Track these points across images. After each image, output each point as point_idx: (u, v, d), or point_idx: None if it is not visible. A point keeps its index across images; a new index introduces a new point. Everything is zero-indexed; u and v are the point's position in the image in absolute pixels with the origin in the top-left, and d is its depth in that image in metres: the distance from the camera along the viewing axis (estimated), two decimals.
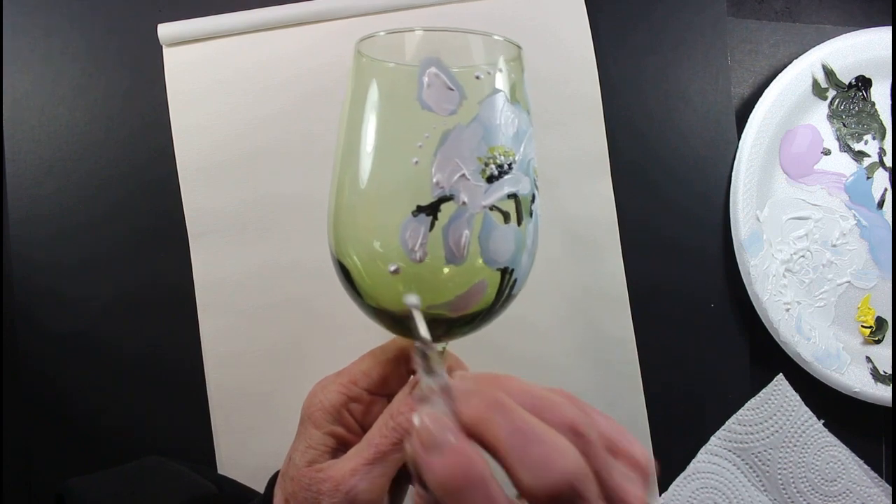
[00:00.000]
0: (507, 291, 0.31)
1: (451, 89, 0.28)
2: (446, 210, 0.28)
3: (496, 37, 0.30)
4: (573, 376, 0.50)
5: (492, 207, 0.29)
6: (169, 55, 0.48)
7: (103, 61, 0.49)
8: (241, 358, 0.48)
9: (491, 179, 0.29)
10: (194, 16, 0.48)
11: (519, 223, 0.30)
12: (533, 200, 0.31)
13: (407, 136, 0.29)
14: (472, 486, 0.21)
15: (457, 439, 0.22)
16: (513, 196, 0.29)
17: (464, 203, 0.28)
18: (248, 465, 0.48)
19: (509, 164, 0.29)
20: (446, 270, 0.29)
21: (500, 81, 0.29)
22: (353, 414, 0.33)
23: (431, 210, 0.28)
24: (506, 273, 0.30)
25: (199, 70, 0.48)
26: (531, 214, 0.31)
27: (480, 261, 0.29)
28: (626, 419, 0.51)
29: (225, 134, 0.48)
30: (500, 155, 0.29)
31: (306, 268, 0.49)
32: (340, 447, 0.32)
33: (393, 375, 0.34)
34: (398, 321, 0.31)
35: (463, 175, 0.28)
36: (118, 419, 0.48)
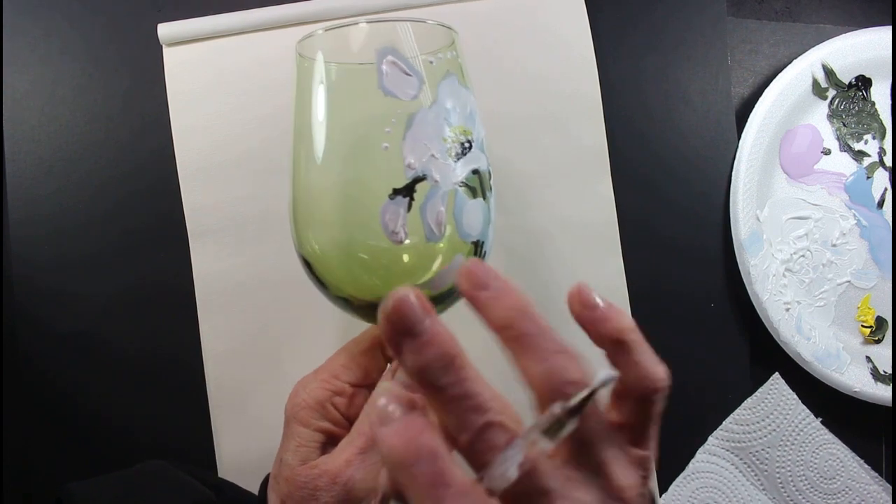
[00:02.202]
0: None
1: (409, 74, 0.30)
2: (421, 190, 0.29)
3: (430, 22, 0.32)
4: None
5: (461, 184, 0.30)
6: (169, 55, 0.48)
7: (103, 61, 0.49)
8: (241, 357, 0.48)
9: (457, 157, 0.30)
10: (194, 16, 0.48)
11: (484, 197, 0.32)
12: (489, 176, 0.33)
13: (372, 123, 0.30)
14: (421, 459, 0.20)
15: (407, 413, 0.21)
16: (476, 172, 0.31)
17: (436, 181, 0.30)
18: (249, 465, 0.48)
19: (469, 142, 0.31)
20: (427, 248, 0.30)
21: (452, 64, 0.31)
22: (337, 408, 0.33)
23: (408, 191, 0.29)
24: (477, 246, 0.31)
25: (199, 70, 0.48)
26: (490, 189, 0.32)
27: (456, 236, 0.31)
28: None
29: (225, 134, 0.48)
30: (460, 134, 0.31)
31: None
32: (329, 442, 0.32)
33: (371, 365, 0.34)
34: (366, 309, 0.32)
35: (433, 155, 0.30)
36: (118, 419, 0.48)
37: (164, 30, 0.48)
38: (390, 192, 0.29)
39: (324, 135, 0.31)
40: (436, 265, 0.31)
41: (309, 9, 0.49)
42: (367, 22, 0.31)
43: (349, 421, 0.33)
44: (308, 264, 0.32)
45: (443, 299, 0.32)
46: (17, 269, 0.48)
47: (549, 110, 0.50)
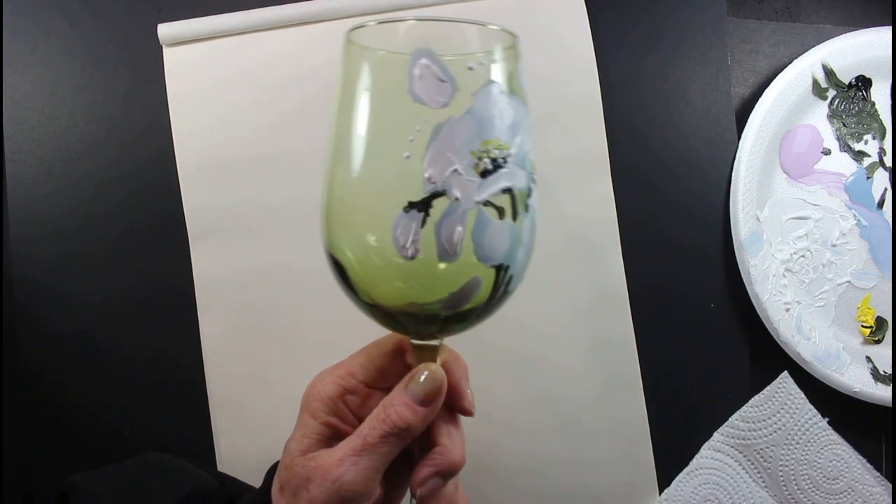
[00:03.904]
0: (502, 288, 0.30)
1: (443, 81, 0.28)
2: (439, 206, 0.28)
3: (491, 26, 0.30)
4: (573, 376, 0.50)
5: (486, 203, 0.28)
6: (169, 55, 0.48)
7: (103, 61, 0.49)
8: (240, 357, 0.48)
9: (485, 174, 0.28)
10: (194, 16, 0.48)
11: (514, 218, 0.29)
12: (529, 195, 0.30)
13: (398, 129, 0.28)
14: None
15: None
16: (508, 191, 0.29)
17: (457, 199, 0.28)
18: (248, 463, 0.48)
19: (504, 158, 0.28)
20: (440, 267, 0.28)
21: (495, 71, 0.28)
22: (349, 406, 0.33)
23: (423, 206, 0.28)
24: (501, 270, 0.29)
25: (199, 70, 0.48)
26: (527, 209, 0.30)
27: (474, 258, 0.28)
28: (626, 418, 0.51)
29: (225, 134, 0.48)
30: (494, 148, 0.28)
31: (306, 267, 0.48)
32: (336, 437, 0.33)
33: (390, 368, 0.34)
34: (392, 317, 0.31)
35: (456, 170, 0.27)
36: (118, 419, 0.48)
37: (164, 30, 0.48)
38: (405, 203, 0.28)
39: (363, 138, 0.29)
40: (455, 285, 0.29)
41: (309, 9, 0.49)
42: (416, 19, 0.29)
43: (360, 420, 0.33)
44: (339, 267, 0.30)
45: (461, 319, 0.30)
46: (17, 268, 0.48)
47: (549, 110, 0.50)
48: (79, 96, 0.49)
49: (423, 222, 0.28)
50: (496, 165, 0.28)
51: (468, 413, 0.34)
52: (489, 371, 0.49)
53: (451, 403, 0.33)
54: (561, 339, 0.50)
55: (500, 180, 0.28)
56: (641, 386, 0.51)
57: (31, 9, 0.49)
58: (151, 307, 0.49)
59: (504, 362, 0.50)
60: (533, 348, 0.50)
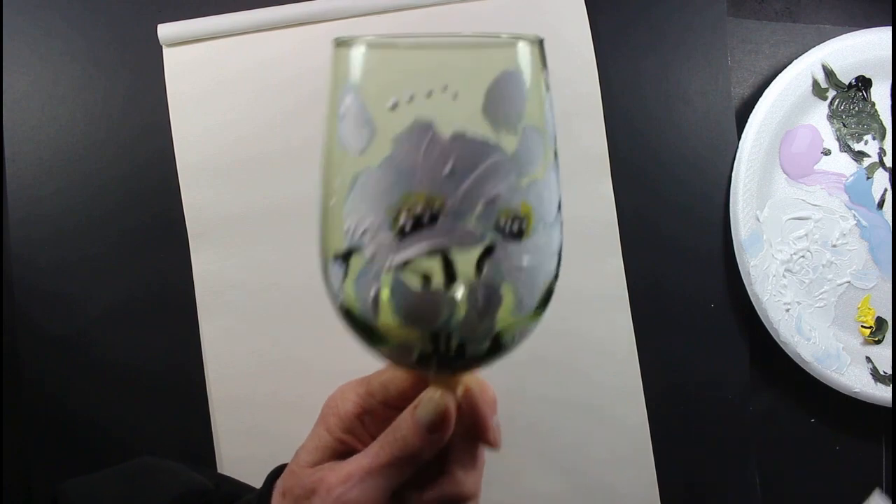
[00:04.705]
0: (450, 353, 0.26)
1: (362, 124, 0.23)
2: (356, 263, 0.25)
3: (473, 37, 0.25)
4: (573, 377, 0.50)
5: (406, 266, 0.24)
6: (169, 55, 0.48)
7: (103, 62, 0.49)
8: (241, 359, 0.48)
9: (402, 234, 0.23)
10: (194, 16, 0.48)
11: (448, 287, 0.24)
12: (488, 252, 0.24)
13: (328, 174, 0.25)
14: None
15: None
16: (438, 251, 0.24)
17: (370, 259, 0.24)
18: (249, 466, 0.48)
19: (432, 214, 0.23)
20: (375, 321, 0.26)
21: (429, 107, 0.23)
22: (366, 426, 0.33)
23: (344, 259, 0.25)
24: (438, 336, 0.25)
25: (200, 70, 0.48)
26: (480, 271, 0.24)
27: (397, 321, 0.25)
28: (626, 419, 0.51)
29: (225, 134, 0.48)
30: (416, 204, 0.23)
31: (306, 268, 0.48)
32: (348, 454, 0.32)
33: (411, 393, 0.33)
34: (401, 353, 0.27)
35: (367, 229, 0.24)
36: (118, 420, 0.48)
37: (165, 30, 0.48)
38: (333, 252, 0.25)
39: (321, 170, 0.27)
40: (389, 343, 0.26)
41: (309, 9, 0.49)
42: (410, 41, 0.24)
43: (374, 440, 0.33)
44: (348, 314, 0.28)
45: (418, 364, 0.27)
46: (17, 269, 0.48)
47: None
48: (79, 96, 0.49)
49: (345, 275, 0.25)
50: (418, 223, 0.23)
51: (492, 445, 0.32)
52: (488, 371, 0.49)
53: (473, 434, 0.32)
54: (560, 340, 0.50)
55: (422, 240, 0.24)
56: (641, 386, 0.51)
57: (31, 9, 0.49)
58: (151, 308, 0.49)
59: (502, 363, 0.50)
60: (531, 349, 0.50)
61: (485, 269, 0.25)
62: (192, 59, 0.48)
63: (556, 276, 0.29)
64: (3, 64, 0.48)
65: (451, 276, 0.24)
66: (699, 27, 0.53)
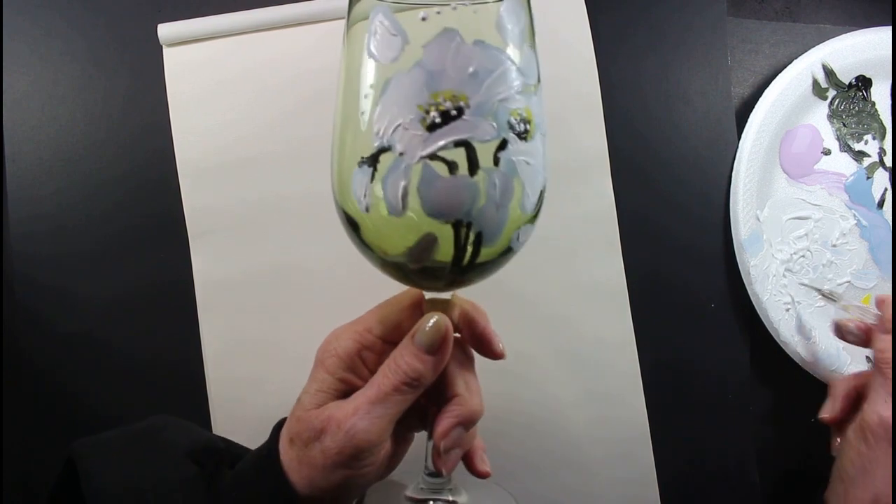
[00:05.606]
0: (469, 247, 0.29)
1: (394, 35, 0.27)
2: (385, 161, 0.28)
3: None
4: (573, 376, 0.50)
5: (434, 157, 0.27)
6: (169, 55, 0.48)
7: (103, 62, 0.49)
8: (240, 357, 0.48)
9: (433, 127, 0.27)
10: (194, 16, 0.48)
11: (472, 173, 0.28)
12: (503, 147, 0.28)
13: (358, 87, 0.29)
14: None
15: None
16: (462, 144, 0.28)
17: (401, 154, 0.28)
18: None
19: (458, 109, 0.27)
20: (396, 220, 0.29)
21: (454, 19, 0.27)
22: (365, 362, 0.34)
23: (372, 161, 0.28)
24: (461, 226, 0.29)
25: (200, 70, 0.48)
26: (496, 162, 0.28)
27: (423, 213, 0.28)
28: (626, 419, 0.51)
29: (225, 134, 0.48)
30: (445, 100, 0.27)
31: (306, 267, 0.49)
32: (350, 393, 0.33)
33: (407, 323, 0.34)
34: (402, 269, 0.31)
35: (400, 125, 0.27)
36: (118, 418, 0.48)
37: (165, 30, 0.48)
38: (359, 158, 0.28)
39: (341, 97, 0.30)
40: (408, 240, 0.29)
41: (309, 9, 0.49)
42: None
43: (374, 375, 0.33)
44: (351, 223, 0.31)
45: (427, 274, 0.31)
46: (17, 268, 0.48)
47: (549, 111, 0.50)
48: (79, 96, 0.49)
49: (372, 177, 0.28)
50: (447, 118, 0.27)
51: (500, 355, 0.35)
52: (488, 371, 0.49)
53: (482, 350, 0.34)
54: (560, 340, 0.50)
55: (450, 133, 0.27)
56: (641, 386, 0.51)
57: (31, 9, 0.49)
58: (151, 307, 0.49)
59: (503, 362, 0.50)
60: (531, 348, 0.50)
61: (500, 161, 0.29)
62: (192, 59, 0.48)
63: (544, 188, 0.32)
64: (3, 64, 0.48)
65: (474, 164, 0.28)
66: (699, 27, 0.53)
